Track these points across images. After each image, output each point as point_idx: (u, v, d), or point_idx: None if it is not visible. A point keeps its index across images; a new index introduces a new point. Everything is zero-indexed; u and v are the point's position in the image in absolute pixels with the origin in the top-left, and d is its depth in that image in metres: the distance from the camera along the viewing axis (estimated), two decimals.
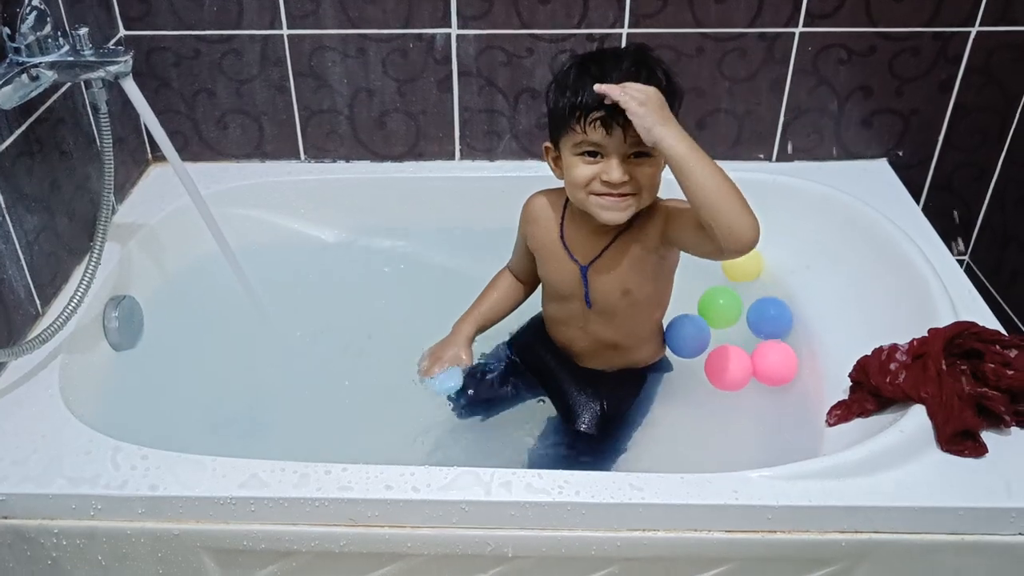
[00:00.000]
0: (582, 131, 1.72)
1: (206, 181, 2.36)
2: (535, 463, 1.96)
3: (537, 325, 2.13)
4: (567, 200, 1.93)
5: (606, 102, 1.66)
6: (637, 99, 1.61)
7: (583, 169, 1.76)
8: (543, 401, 2.10)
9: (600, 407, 1.97)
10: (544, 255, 1.97)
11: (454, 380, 2.01)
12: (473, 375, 2.06)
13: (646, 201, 1.79)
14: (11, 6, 1.83)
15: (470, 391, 2.05)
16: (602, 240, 1.88)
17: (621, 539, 1.62)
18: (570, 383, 2.02)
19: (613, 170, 1.73)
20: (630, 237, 1.86)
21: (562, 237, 1.93)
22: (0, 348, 1.80)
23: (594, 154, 1.75)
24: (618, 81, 1.66)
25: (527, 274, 2.09)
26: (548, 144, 1.86)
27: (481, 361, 2.11)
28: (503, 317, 2.13)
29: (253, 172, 2.58)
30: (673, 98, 1.73)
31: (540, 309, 2.13)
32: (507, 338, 2.18)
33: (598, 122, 1.69)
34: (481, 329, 2.10)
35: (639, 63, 1.72)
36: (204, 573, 1.69)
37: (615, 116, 1.67)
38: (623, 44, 2.38)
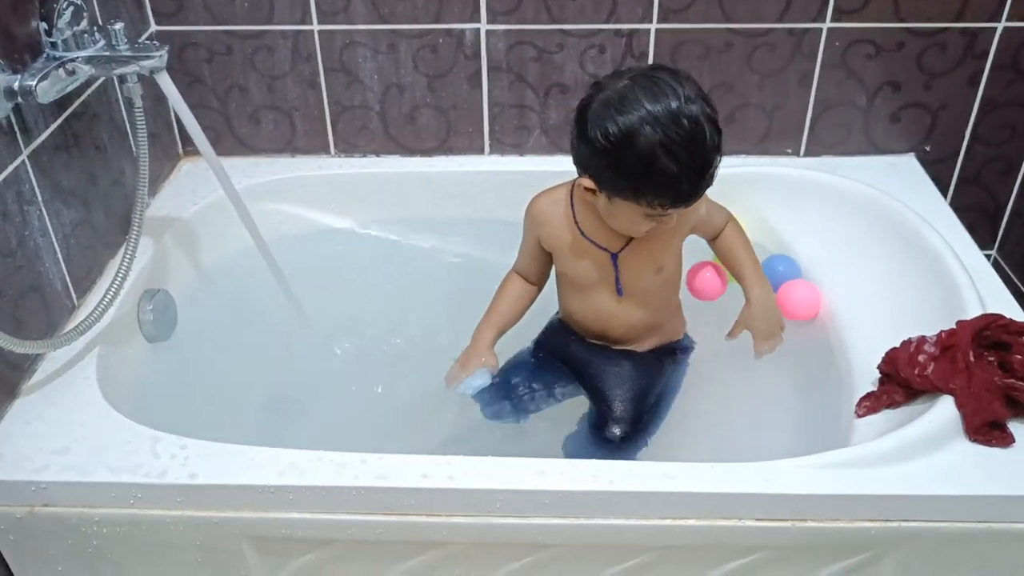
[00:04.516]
0: (651, 207, 1.74)
1: (236, 175, 2.36)
2: (569, 452, 1.98)
3: (556, 326, 2.15)
4: (571, 195, 1.96)
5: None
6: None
7: (644, 224, 1.80)
8: (572, 396, 2.11)
9: (632, 387, 1.99)
10: (566, 251, 1.98)
11: (481, 379, 2.03)
12: (500, 376, 2.07)
13: None
14: (48, 2, 1.85)
15: (498, 392, 2.06)
16: None
17: (653, 527, 1.63)
18: (601, 367, 2.03)
19: (671, 222, 1.80)
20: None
21: (582, 232, 1.94)
22: (39, 339, 1.82)
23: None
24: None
25: (536, 275, 2.11)
26: (587, 184, 1.80)
27: (507, 364, 2.12)
28: (518, 319, 2.13)
29: (284, 167, 2.60)
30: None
31: (552, 313, 2.16)
32: (530, 345, 2.18)
33: (671, 206, 1.74)
34: (500, 333, 2.10)
35: (715, 146, 1.70)
36: (244, 560, 1.71)
37: (689, 202, 1.73)
38: (652, 41, 2.40)
